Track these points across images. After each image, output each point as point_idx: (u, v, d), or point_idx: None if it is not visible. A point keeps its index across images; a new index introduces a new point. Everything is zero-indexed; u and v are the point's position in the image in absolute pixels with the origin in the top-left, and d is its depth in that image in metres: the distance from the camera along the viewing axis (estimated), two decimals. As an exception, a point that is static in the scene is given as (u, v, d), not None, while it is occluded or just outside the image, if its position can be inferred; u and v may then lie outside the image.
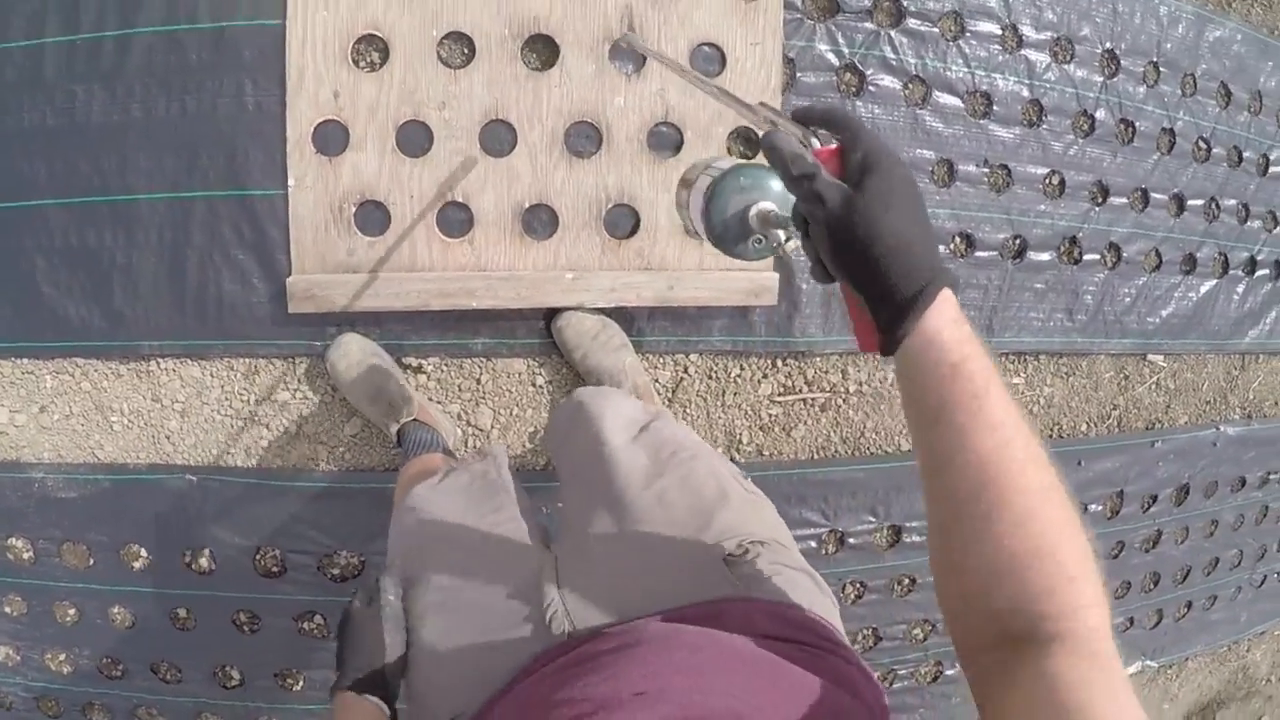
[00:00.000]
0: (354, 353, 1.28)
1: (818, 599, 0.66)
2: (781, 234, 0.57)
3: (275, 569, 1.41)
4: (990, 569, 0.43)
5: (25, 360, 1.34)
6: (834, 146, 0.48)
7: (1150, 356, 1.78)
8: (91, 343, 1.33)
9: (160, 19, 1.23)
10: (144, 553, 1.41)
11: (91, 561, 1.41)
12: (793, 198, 0.49)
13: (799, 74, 1.35)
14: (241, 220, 1.28)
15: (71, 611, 1.44)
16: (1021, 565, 0.42)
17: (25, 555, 1.40)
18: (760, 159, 0.58)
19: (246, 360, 1.33)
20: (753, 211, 0.58)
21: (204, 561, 1.41)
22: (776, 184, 0.58)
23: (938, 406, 0.44)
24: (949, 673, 1.79)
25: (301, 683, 1.48)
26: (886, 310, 0.45)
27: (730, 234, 0.60)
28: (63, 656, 1.47)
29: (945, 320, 0.44)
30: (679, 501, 0.71)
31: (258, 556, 1.40)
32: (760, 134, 0.50)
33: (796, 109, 0.50)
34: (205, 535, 1.39)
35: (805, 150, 0.48)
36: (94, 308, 1.31)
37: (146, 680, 1.48)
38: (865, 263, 0.45)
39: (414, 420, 1.27)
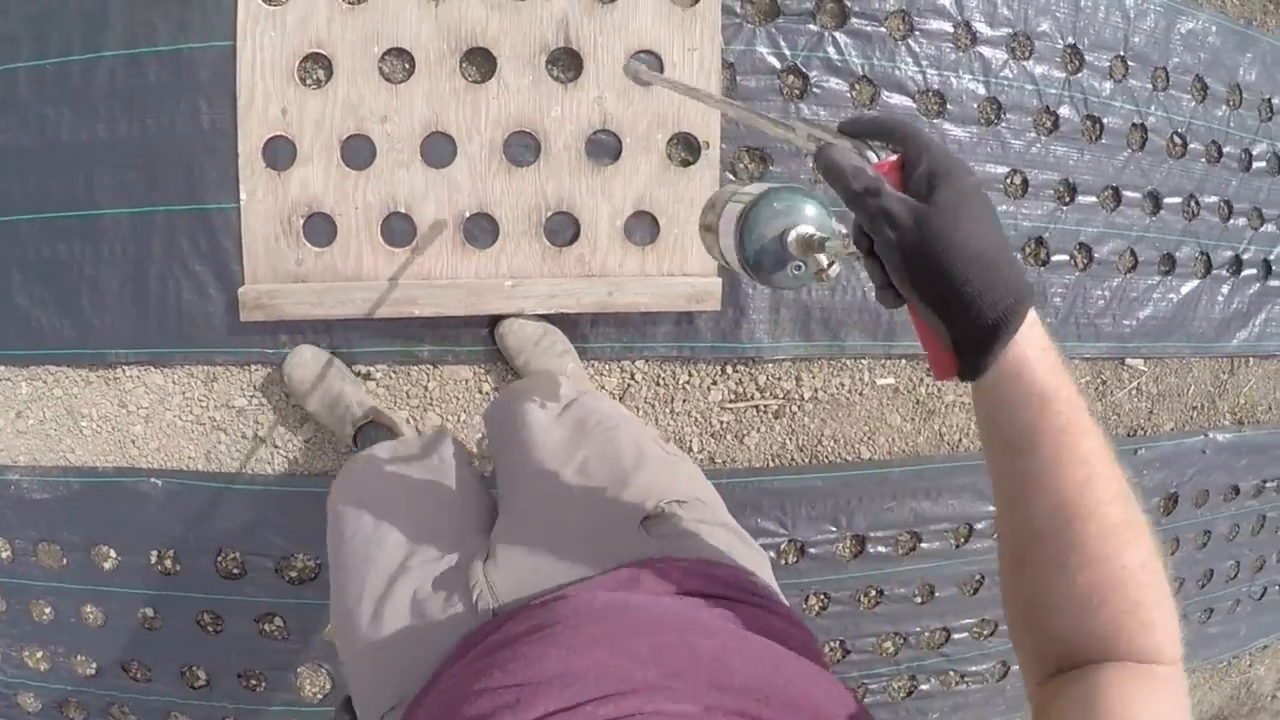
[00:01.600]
0: (309, 363, 1.32)
1: (740, 551, 0.66)
2: (823, 258, 0.51)
3: (236, 571, 1.45)
4: (1062, 605, 0.42)
5: (2, 368, 1.41)
6: (894, 159, 0.45)
7: (1129, 361, 1.73)
8: (62, 350, 1.39)
9: (122, 43, 1.29)
10: (113, 553, 1.46)
11: (64, 561, 1.47)
12: (830, 219, 0.48)
13: (739, 78, 1.35)
14: (199, 233, 1.33)
15: (47, 610, 1.50)
16: (1094, 605, 0.41)
17: (3, 554, 1.47)
18: (791, 182, 0.57)
19: (205, 368, 1.37)
20: (791, 236, 0.53)
21: (169, 563, 1.45)
22: (811, 207, 0.54)
23: (1022, 438, 0.42)
24: (924, 688, 1.75)
25: (265, 684, 1.51)
26: (968, 336, 0.42)
27: (767, 261, 0.55)
28: (40, 654, 1.53)
29: (1034, 348, 0.42)
30: (599, 469, 0.72)
31: (219, 559, 1.44)
32: (811, 151, 0.47)
33: (844, 122, 0.47)
34: (170, 537, 1.44)
35: (865, 164, 0.44)
36: (64, 318, 1.37)
37: (118, 679, 1.52)
38: (942, 284, 0.41)
39: (370, 423, 1.30)
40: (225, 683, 1.51)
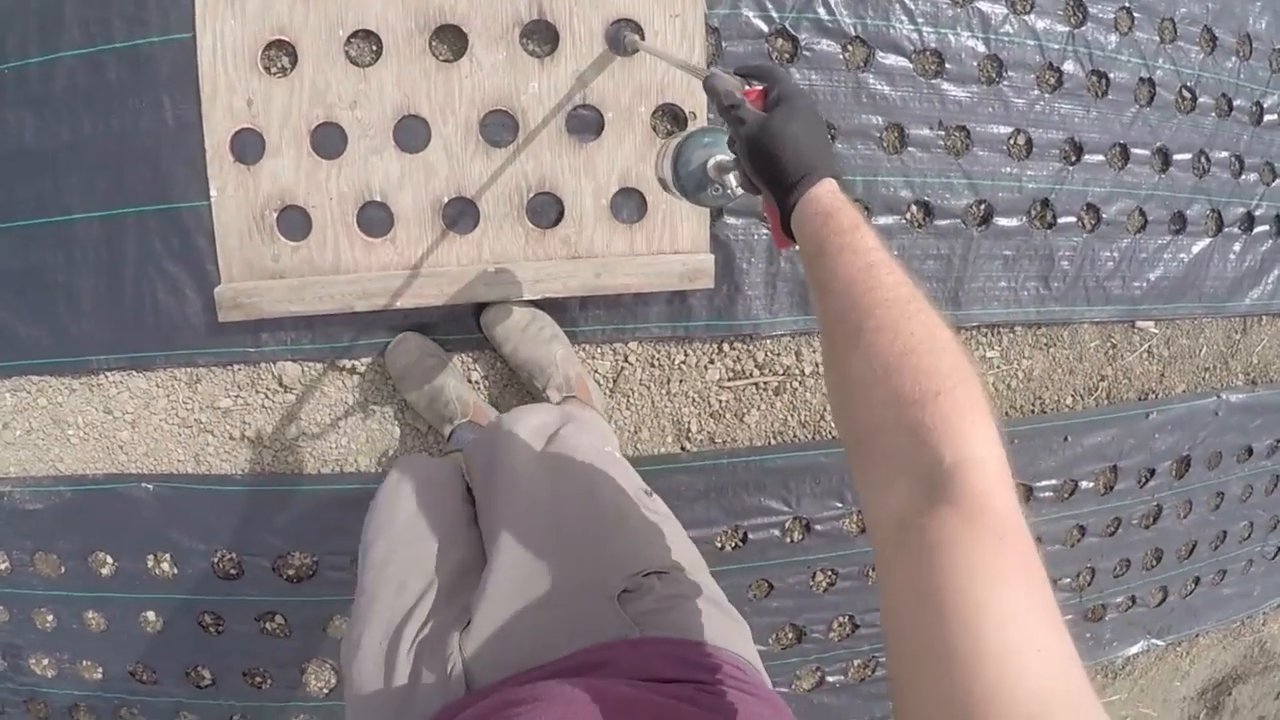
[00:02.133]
0: (413, 352, 1.29)
1: (721, 627, 0.64)
2: (732, 179, 0.67)
3: (233, 571, 1.43)
4: (866, 377, 0.45)
5: (-16, 380, 1.38)
6: (759, 88, 0.63)
7: (1139, 323, 1.68)
8: (43, 360, 1.36)
9: (79, 42, 1.24)
10: (110, 560, 1.45)
11: (63, 570, 1.46)
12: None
13: (725, 43, 1.29)
14: (171, 233, 1.28)
15: (50, 618, 1.49)
16: (894, 366, 0.43)
17: (2, 566, 1.46)
18: (720, 125, 0.70)
19: (188, 370, 1.34)
20: (710, 162, 0.71)
21: (166, 566, 1.44)
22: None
23: (815, 246, 0.53)
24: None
25: (270, 681, 1.51)
26: (782, 193, 0.57)
27: (692, 182, 0.73)
28: (46, 661, 1.53)
29: (824, 190, 0.56)
30: (576, 529, 0.70)
31: (216, 560, 1.43)
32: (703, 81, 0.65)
33: (737, 67, 0.67)
34: (165, 540, 1.42)
35: (735, 90, 0.63)
36: (42, 326, 1.34)
37: (125, 682, 1.52)
38: (770, 163, 0.57)
39: (469, 421, 1.27)
40: (231, 681, 1.51)
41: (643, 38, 1.23)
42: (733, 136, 0.62)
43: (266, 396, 1.35)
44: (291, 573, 1.44)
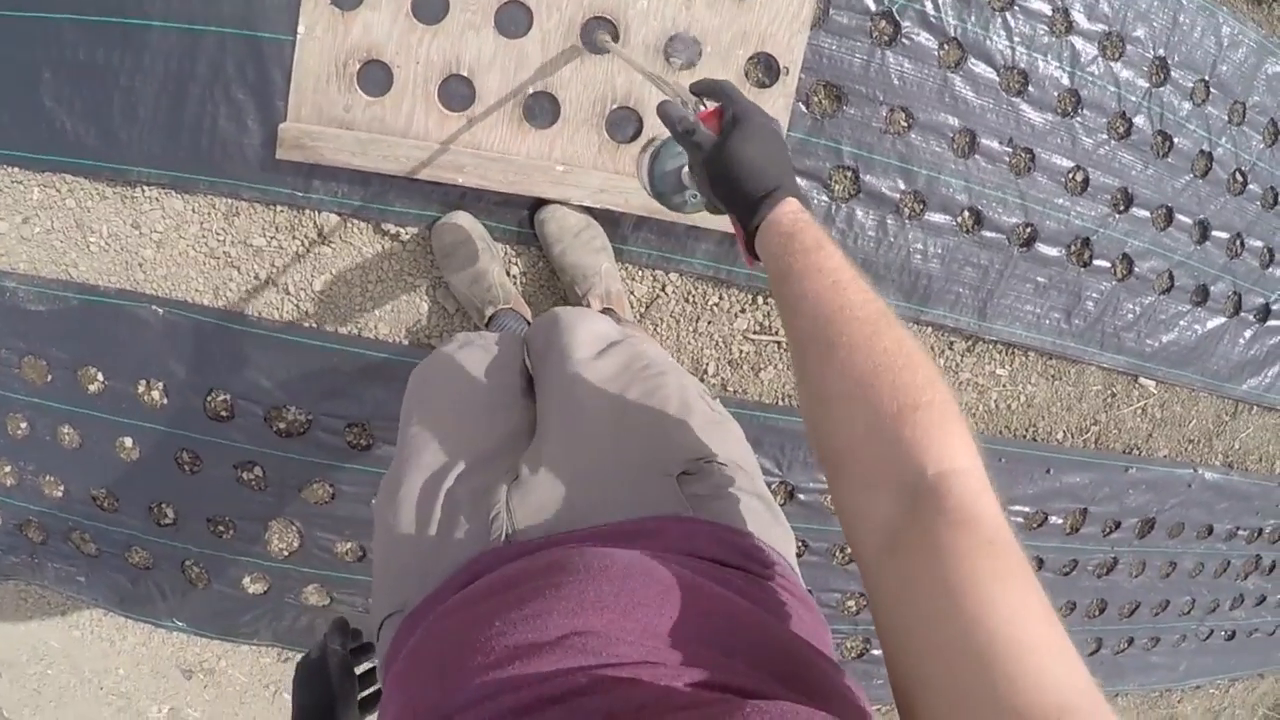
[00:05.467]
0: (462, 231, 1.27)
1: (768, 527, 0.64)
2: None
3: (224, 413, 1.42)
4: (842, 394, 0.45)
5: (15, 169, 1.34)
6: (713, 108, 0.62)
7: (1142, 380, 1.74)
8: (83, 160, 1.33)
9: None
10: (100, 377, 1.42)
11: (49, 378, 1.42)
12: None
13: (832, 11, 1.31)
14: (248, 60, 1.26)
15: (23, 425, 1.46)
16: (870, 383, 0.44)
17: (-13, 359, 1.42)
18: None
19: (229, 200, 1.32)
20: (685, 170, 0.70)
21: (156, 395, 1.42)
22: None
23: (781, 268, 0.52)
24: (875, 652, 1.78)
25: (232, 532, 1.49)
26: (744, 213, 0.56)
27: (667, 188, 0.73)
28: (8, 469, 1.49)
29: (785, 209, 0.55)
30: (639, 414, 0.70)
31: (208, 398, 1.41)
32: (658, 104, 0.63)
33: (692, 84, 0.66)
34: (161, 369, 1.40)
35: (688, 112, 0.62)
36: (90, 126, 1.31)
37: (84, 505, 1.49)
38: (728, 186, 0.57)
39: (509, 309, 1.26)
40: (192, 525, 1.49)
41: (616, 39, 1.24)
42: (692, 161, 0.61)
43: (302, 244, 1.33)
44: (282, 426, 1.42)
